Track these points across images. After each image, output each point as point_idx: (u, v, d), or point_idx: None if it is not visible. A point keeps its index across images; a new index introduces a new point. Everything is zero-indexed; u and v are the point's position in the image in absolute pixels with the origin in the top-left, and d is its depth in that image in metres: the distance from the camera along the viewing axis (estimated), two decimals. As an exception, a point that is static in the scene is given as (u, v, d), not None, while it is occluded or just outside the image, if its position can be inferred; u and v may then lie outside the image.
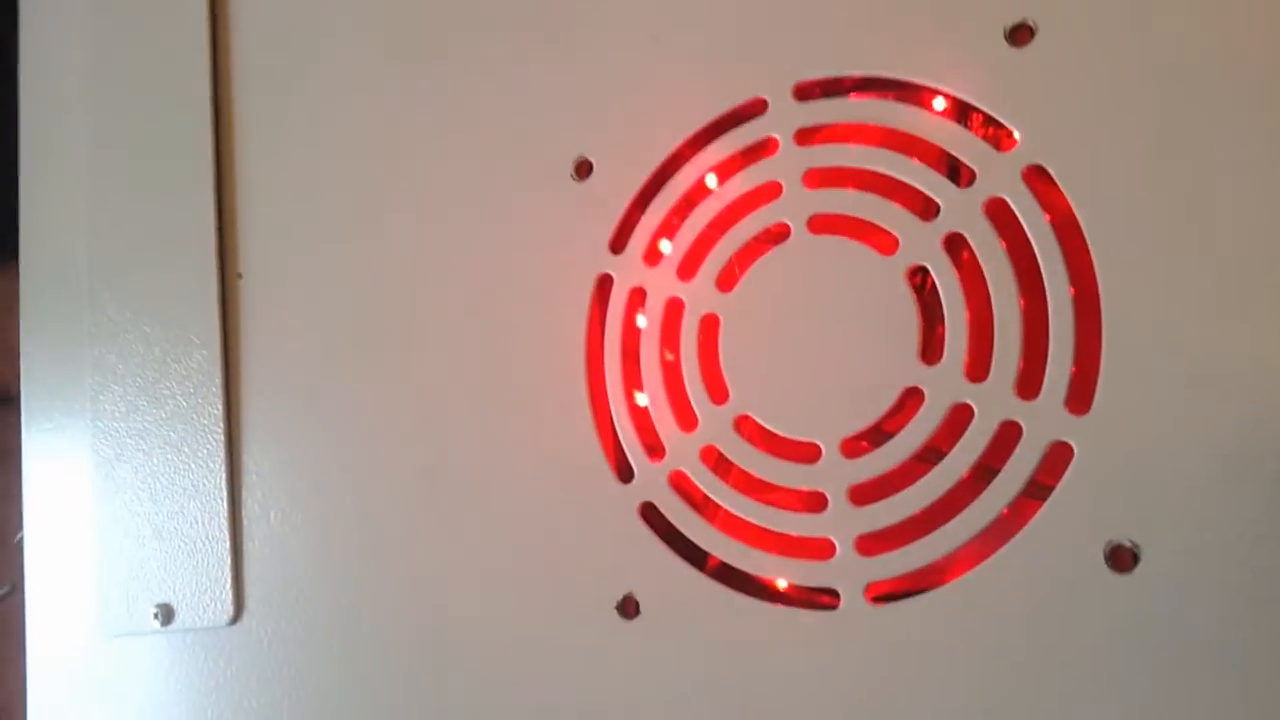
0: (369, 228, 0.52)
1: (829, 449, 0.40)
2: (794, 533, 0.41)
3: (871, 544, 0.39)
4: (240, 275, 0.56)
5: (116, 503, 0.57)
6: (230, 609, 0.54)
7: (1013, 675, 0.37)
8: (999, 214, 0.38)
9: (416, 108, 0.51)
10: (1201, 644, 0.34)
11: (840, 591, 0.40)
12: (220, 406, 0.55)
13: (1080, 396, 0.36)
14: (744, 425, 0.42)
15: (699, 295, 0.44)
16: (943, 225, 0.39)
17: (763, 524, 0.41)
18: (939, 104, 0.41)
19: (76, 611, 0.57)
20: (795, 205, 0.42)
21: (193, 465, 0.55)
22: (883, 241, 0.40)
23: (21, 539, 0.59)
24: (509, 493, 0.47)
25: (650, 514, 0.44)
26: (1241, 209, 0.35)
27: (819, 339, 0.41)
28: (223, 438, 0.55)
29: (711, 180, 0.44)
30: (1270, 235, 0.35)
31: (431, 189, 0.50)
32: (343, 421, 0.52)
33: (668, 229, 0.45)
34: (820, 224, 0.41)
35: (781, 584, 0.42)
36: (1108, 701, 0.35)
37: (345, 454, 0.51)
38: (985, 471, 0.38)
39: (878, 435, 0.40)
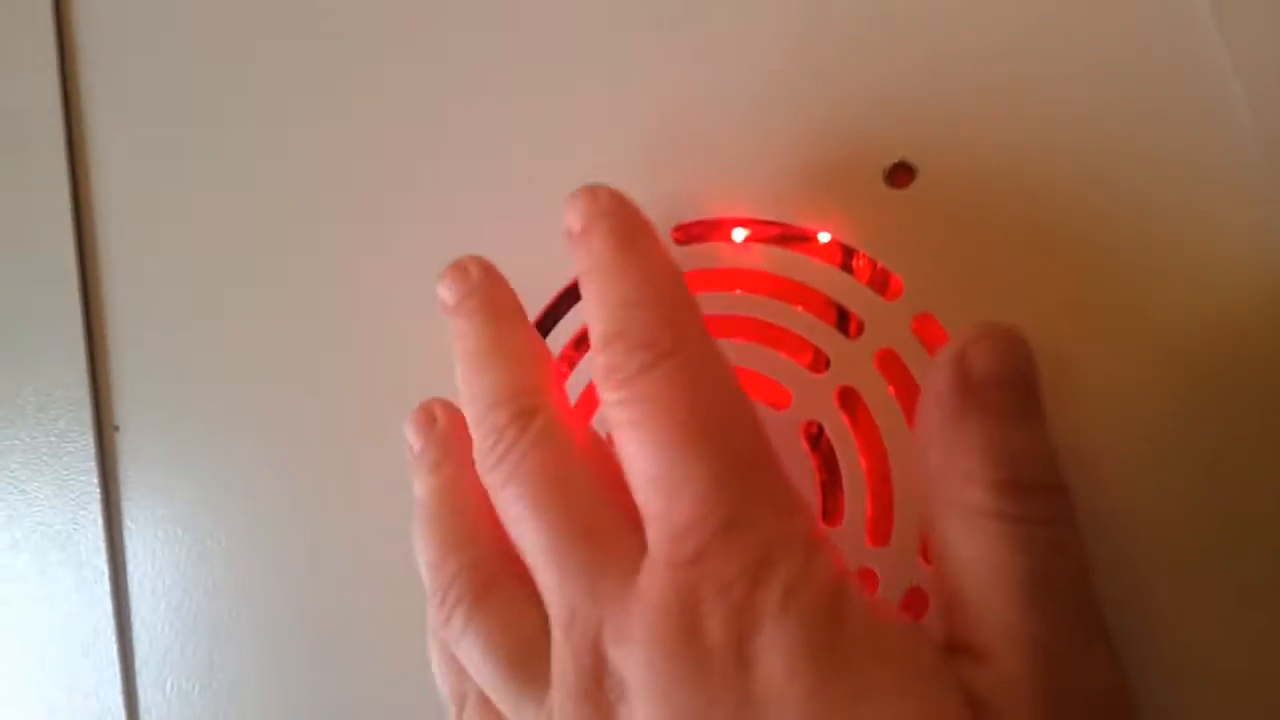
0: (251, 371, 0.49)
1: (735, 616, 0.39)
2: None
3: None
4: (117, 428, 0.53)
5: (3, 677, 0.54)
6: (132, 787, 0.51)
7: None
8: (890, 365, 0.37)
9: (294, 235, 0.49)
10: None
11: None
12: (105, 569, 0.52)
13: (985, 561, 0.35)
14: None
15: (592, 453, 0.42)
16: (834, 378, 0.38)
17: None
18: (824, 243, 0.39)
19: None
20: (684, 356, 0.40)
21: (83, 631, 0.53)
22: (776, 395, 0.39)
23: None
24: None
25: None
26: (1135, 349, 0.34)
27: (717, 500, 0.39)
28: (110, 604, 0.52)
29: (599, 323, 0.42)
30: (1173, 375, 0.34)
31: (312, 325, 0.48)
32: (233, 580, 0.49)
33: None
34: (710, 377, 0.40)
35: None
36: None
37: (238, 616, 0.49)
38: (896, 637, 0.36)
39: (784, 599, 0.38)
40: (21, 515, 0.54)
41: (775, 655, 0.27)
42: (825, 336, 0.38)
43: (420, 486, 0.37)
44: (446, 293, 0.37)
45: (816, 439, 0.38)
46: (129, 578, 0.52)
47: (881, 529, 0.37)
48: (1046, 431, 0.30)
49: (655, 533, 0.30)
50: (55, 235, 0.54)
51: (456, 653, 0.33)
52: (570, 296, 0.43)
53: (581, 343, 0.43)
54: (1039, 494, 0.28)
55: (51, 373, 0.54)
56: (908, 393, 0.36)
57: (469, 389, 0.35)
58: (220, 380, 0.50)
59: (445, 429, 0.37)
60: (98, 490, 0.53)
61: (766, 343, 0.39)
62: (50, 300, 0.54)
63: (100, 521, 0.52)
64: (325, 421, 0.47)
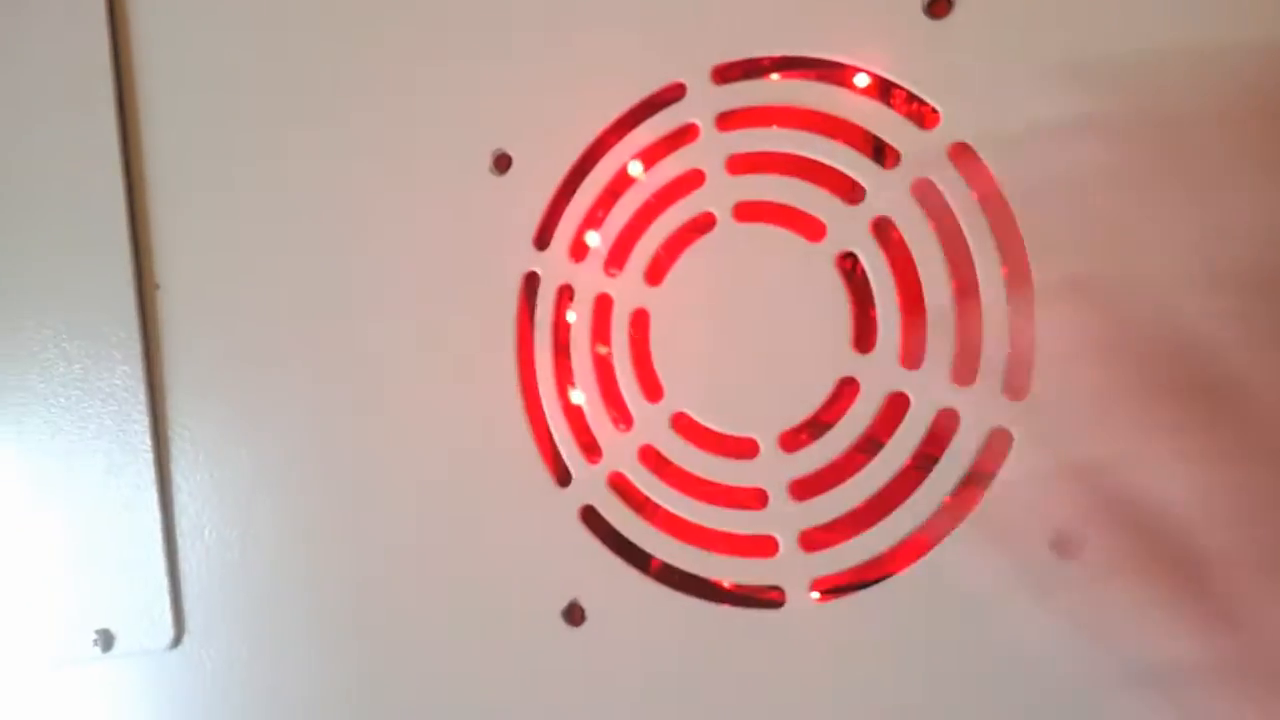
0: (287, 233, 0.50)
1: (767, 443, 0.39)
2: (736, 530, 0.40)
3: (815, 538, 0.39)
4: (158, 286, 0.54)
5: (48, 527, 0.55)
6: (171, 631, 0.52)
7: (962, 665, 0.36)
8: (927, 194, 0.37)
9: (330, 107, 0.49)
10: (1139, 629, 0.34)
11: (785, 588, 0.39)
12: (146, 422, 0.53)
13: (1017, 380, 0.35)
14: (680, 423, 0.41)
15: (627, 290, 0.42)
16: (870, 209, 0.38)
17: (704, 523, 0.40)
18: (860, 82, 0.39)
19: (13, 641, 0.55)
20: (719, 193, 0.41)
21: (123, 485, 0.54)
22: (810, 227, 0.39)
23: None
24: (448, 501, 0.45)
25: (591, 517, 0.43)
26: (1167, 180, 0.34)
27: (751, 331, 0.40)
28: (151, 455, 0.53)
29: (636, 168, 0.43)
30: (1195, 213, 0.34)
31: (347, 191, 0.48)
32: (270, 433, 0.50)
33: (593, 221, 0.44)
34: (746, 211, 0.40)
35: (727, 583, 0.41)
36: (1057, 689, 0.35)
37: (275, 466, 0.50)
38: (926, 460, 0.37)
39: (816, 427, 0.39)
40: (63, 373, 0.55)
41: None
42: (861, 168, 0.38)
43: None
44: None
45: (851, 270, 0.39)
46: (169, 431, 0.53)
47: (914, 352, 0.37)
48: None
49: None
50: (98, 100, 0.54)
51: None
52: (598, 149, 0.43)
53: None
54: None
55: (93, 232, 0.55)
56: (943, 219, 0.37)
57: None
58: (262, 241, 0.51)
59: None
60: (139, 347, 0.54)
61: (803, 176, 0.39)
62: (93, 163, 0.54)
63: (142, 378, 0.53)
64: (366, 283, 0.48)
